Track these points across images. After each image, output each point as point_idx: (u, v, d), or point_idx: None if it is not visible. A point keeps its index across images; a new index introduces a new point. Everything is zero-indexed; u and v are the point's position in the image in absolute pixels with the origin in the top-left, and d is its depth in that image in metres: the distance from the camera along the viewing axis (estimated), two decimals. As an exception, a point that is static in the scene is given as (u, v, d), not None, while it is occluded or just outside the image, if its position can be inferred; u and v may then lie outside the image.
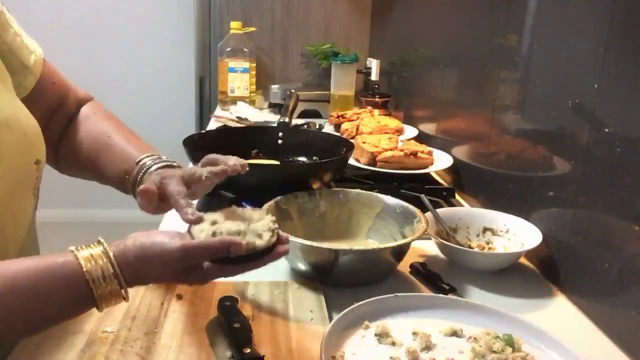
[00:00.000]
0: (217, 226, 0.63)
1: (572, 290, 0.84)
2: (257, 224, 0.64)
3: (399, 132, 1.62)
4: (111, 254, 0.57)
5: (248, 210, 0.68)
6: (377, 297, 0.72)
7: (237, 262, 0.62)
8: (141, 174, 0.78)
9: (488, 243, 0.98)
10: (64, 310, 0.58)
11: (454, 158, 1.34)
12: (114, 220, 3.04)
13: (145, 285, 0.66)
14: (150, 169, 0.78)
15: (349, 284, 0.83)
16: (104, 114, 0.91)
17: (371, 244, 0.96)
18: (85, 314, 0.69)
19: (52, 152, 0.87)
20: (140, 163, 0.79)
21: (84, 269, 0.56)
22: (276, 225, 0.65)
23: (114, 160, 0.83)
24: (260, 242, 0.62)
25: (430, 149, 1.35)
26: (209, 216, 0.66)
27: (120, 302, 0.59)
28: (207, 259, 0.61)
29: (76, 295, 0.57)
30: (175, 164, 0.80)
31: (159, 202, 0.73)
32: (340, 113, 1.79)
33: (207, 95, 2.55)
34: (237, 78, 2.16)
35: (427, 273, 0.86)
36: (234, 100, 2.13)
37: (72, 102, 0.90)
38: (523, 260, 0.95)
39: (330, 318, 0.73)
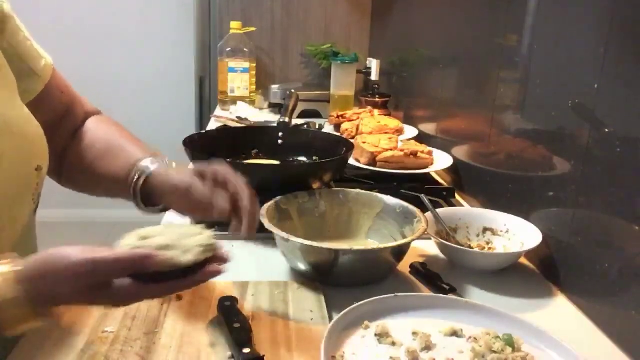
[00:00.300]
0: (145, 241, 0.58)
1: (572, 290, 0.84)
2: (190, 239, 0.59)
3: (399, 132, 1.62)
4: (14, 272, 0.52)
5: (190, 226, 0.63)
6: (377, 297, 0.72)
7: (159, 280, 0.56)
8: (137, 175, 0.78)
9: (488, 243, 0.98)
10: None
11: (454, 158, 1.34)
12: (114, 220, 3.03)
13: (59, 306, 0.57)
14: (150, 170, 0.78)
15: (349, 284, 0.83)
16: (111, 123, 0.91)
17: (371, 244, 0.96)
18: (85, 313, 0.70)
19: (55, 163, 0.86)
20: (140, 164, 0.79)
21: None
22: (213, 242, 0.60)
23: (118, 161, 0.82)
24: (186, 258, 0.56)
25: (430, 149, 1.35)
26: (141, 231, 0.60)
27: (35, 325, 0.54)
28: (120, 274, 0.56)
29: None
30: (174, 164, 0.80)
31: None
32: (340, 113, 1.79)
33: (207, 95, 2.55)
34: (237, 78, 2.16)
35: (427, 273, 0.86)
36: (234, 100, 2.13)
37: (79, 114, 0.90)
38: (523, 260, 0.95)
39: (330, 318, 0.73)
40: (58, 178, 0.89)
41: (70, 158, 0.87)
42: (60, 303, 0.57)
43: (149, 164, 0.79)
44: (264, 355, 0.63)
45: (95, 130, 0.89)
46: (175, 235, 0.59)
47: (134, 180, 0.78)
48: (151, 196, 0.79)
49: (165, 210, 0.82)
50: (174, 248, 0.57)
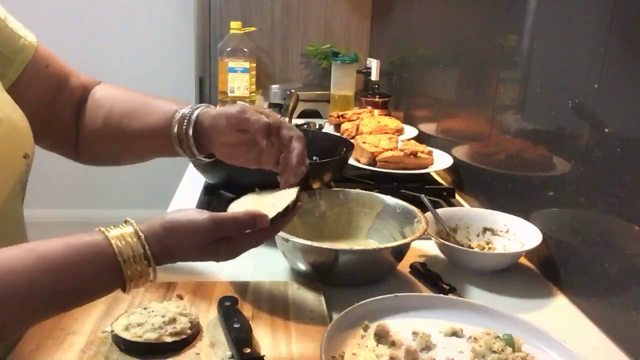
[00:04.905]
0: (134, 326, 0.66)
1: (572, 290, 0.84)
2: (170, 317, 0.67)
3: (399, 132, 1.62)
4: (141, 234, 0.58)
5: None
6: (377, 297, 0.72)
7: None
8: (186, 119, 0.77)
9: (488, 243, 0.98)
10: (92, 290, 0.58)
11: (454, 158, 1.34)
12: (113, 221, 3.03)
13: (174, 262, 0.64)
14: (193, 114, 0.77)
15: (349, 284, 0.83)
16: (123, 88, 0.89)
17: (371, 244, 0.96)
18: (84, 313, 0.70)
19: (68, 139, 0.85)
20: (183, 110, 0.78)
21: (115, 249, 0.56)
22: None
23: (153, 114, 0.80)
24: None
25: (430, 149, 1.35)
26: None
27: (147, 282, 0.59)
28: (235, 232, 0.63)
29: (106, 275, 0.57)
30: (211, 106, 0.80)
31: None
32: (340, 113, 1.79)
33: (207, 95, 2.55)
34: (237, 78, 2.16)
35: (427, 273, 0.86)
36: (234, 100, 2.13)
37: (76, 87, 0.87)
38: (523, 260, 0.95)
39: (330, 318, 0.73)
40: (75, 155, 0.87)
41: (87, 129, 0.85)
42: (179, 257, 0.62)
43: (191, 109, 0.78)
44: (264, 355, 0.63)
45: (111, 96, 0.87)
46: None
47: (184, 125, 0.77)
48: (200, 137, 0.78)
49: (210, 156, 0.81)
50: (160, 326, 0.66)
